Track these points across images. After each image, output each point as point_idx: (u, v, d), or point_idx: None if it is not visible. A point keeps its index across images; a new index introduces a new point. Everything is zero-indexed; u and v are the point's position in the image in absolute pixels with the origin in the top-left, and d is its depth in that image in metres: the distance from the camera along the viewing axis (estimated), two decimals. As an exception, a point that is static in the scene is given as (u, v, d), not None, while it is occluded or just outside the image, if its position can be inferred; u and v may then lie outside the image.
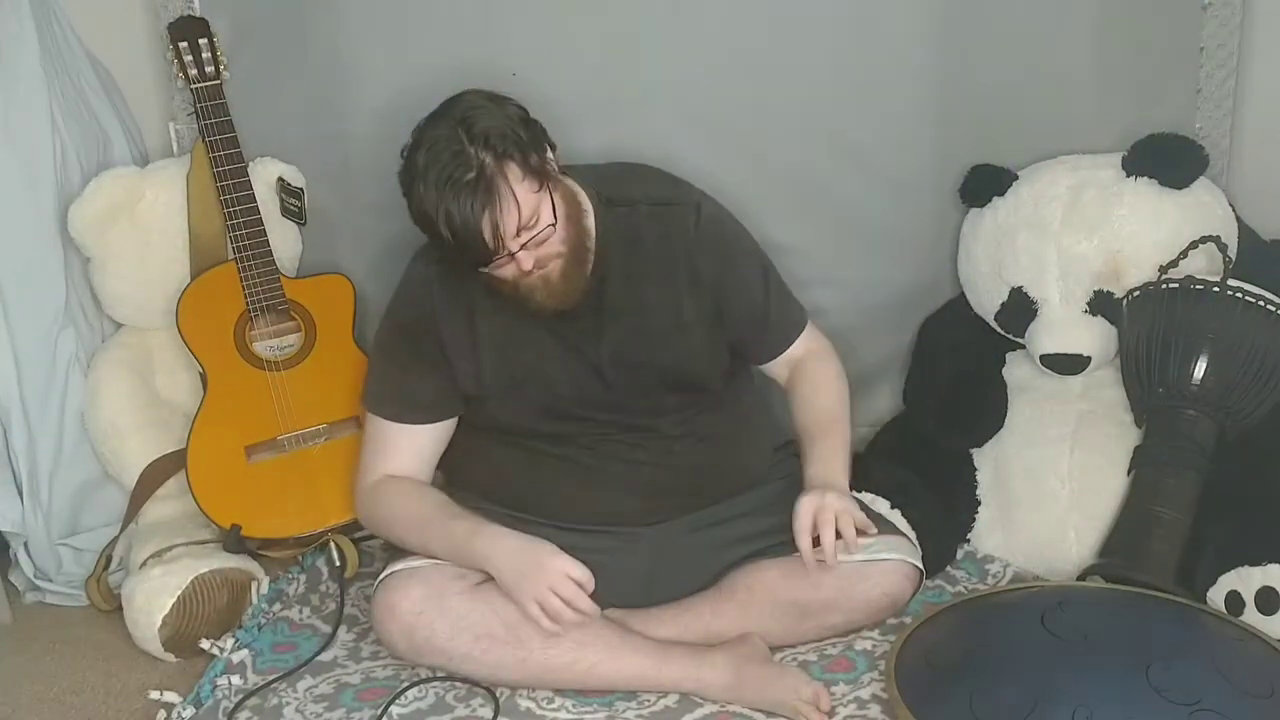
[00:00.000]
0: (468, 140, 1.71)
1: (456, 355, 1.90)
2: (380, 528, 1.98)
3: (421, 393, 1.94)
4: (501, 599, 1.81)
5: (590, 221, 1.84)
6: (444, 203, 1.70)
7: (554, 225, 1.75)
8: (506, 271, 1.76)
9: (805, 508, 1.80)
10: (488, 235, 1.70)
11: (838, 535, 1.78)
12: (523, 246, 1.73)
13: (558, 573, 1.75)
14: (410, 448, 1.96)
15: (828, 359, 2.04)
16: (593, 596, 1.87)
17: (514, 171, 1.71)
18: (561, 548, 1.86)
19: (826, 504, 1.79)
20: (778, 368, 2.04)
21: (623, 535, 1.94)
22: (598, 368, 1.90)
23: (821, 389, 1.99)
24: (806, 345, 2.04)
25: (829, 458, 1.89)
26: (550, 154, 1.79)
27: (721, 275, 1.92)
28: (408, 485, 1.94)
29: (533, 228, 1.73)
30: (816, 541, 1.80)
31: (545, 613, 1.75)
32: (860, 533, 1.81)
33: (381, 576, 1.89)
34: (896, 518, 2.03)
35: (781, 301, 2.02)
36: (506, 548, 1.80)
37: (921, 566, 1.95)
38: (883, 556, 1.89)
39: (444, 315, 1.90)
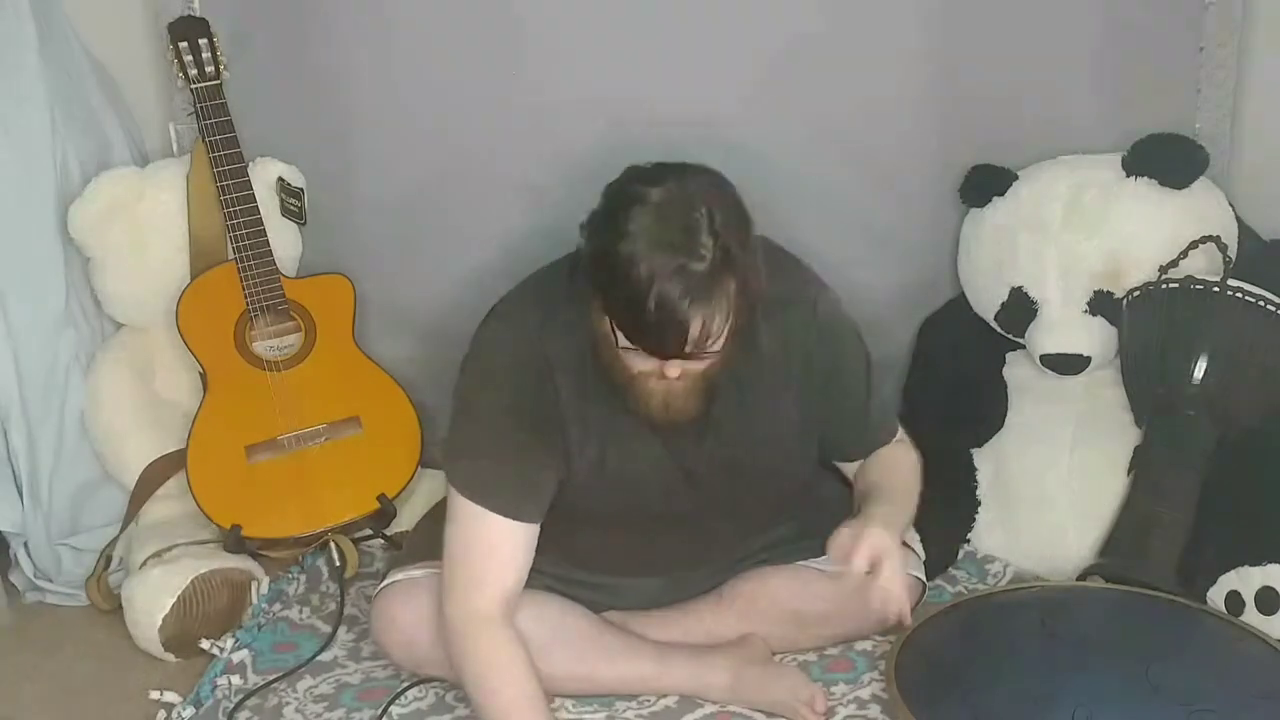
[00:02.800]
0: (708, 224, 1.51)
1: (574, 439, 1.71)
2: (461, 674, 1.71)
3: (543, 484, 1.72)
4: None
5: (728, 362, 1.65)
6: (661, 278, 1.48)
7: (720, 355, 1.58)
8: (645, 363, 1.58)
9: (870, 546, 1.63)
10: (691, 334, 1.50)
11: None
12: (684, 356, 1.55)
13: None
14: (519, 550, 1.72)
15: (908, 449, 1.92)
16: (594, 603, 1.87)
17: (733, 287, 1.52)
18: (575, 581, 1.85)
19: (884, 547, 1.63)
20: (852, 466, 1.93)
21: (642, 580, 1.92)
22: (691, 472, 1.77)
23: (897, 468, 1.87)
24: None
25: (889, 513, 1.74)
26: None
27: (829, 374, 1.78)
28: (510, 659, 1.68)
29: (706, 347, 1.55)
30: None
31: None
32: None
33: (380, 586, 1.88)
34: (898, 519, 2.03)
35: (879, 408, 1.90)
36: None
37: (924, 579, 1.95)
38: None
39: (568, 400, 1.70)
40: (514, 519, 1.70)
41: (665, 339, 1.52)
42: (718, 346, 1.56)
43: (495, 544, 1.71)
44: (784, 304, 1.75)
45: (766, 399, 1.76)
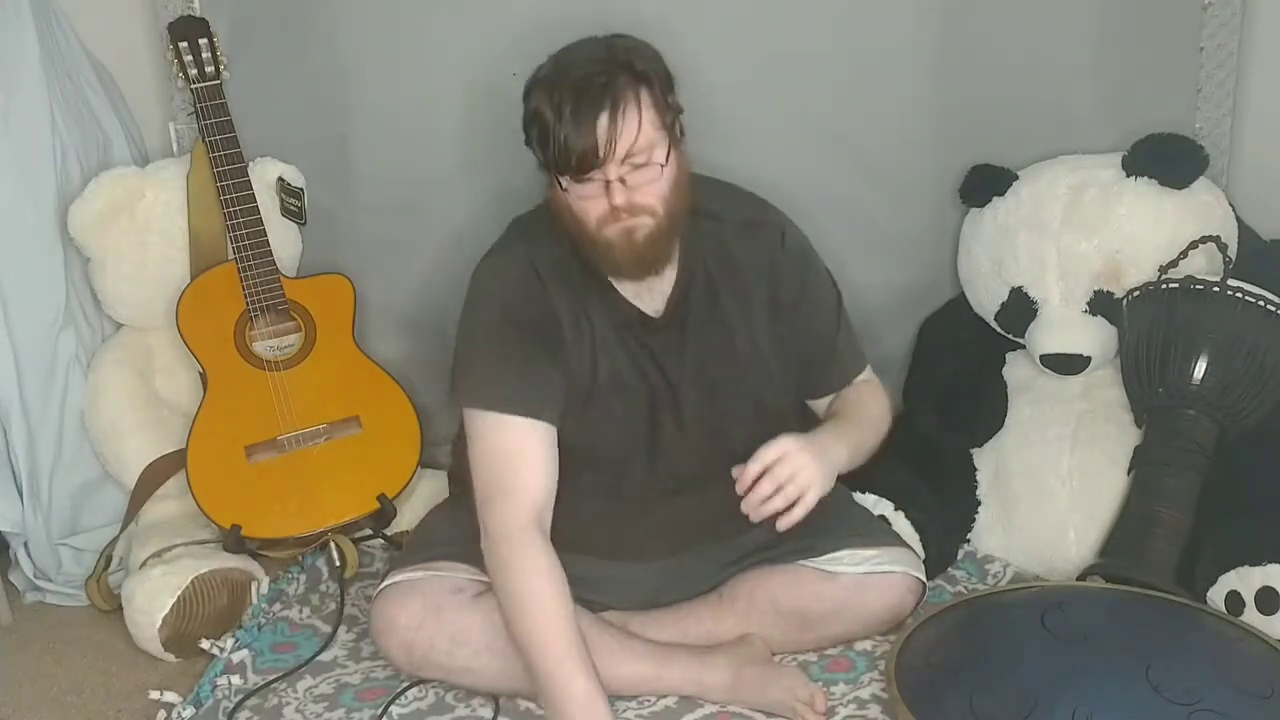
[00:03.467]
0: (608, 56, 1.66)
1: (570, 344, 1.78)
2: (499, 591, 1.72)
3: (552, 386, 1.76)
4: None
5: (687, 203, 1.74)
6: (565, 99, 1.62)
7: (663, 168, 1.66)
8: (596, 205, 1.66)
9: (776, 449, 1.66)
10: (600, 139, 1.61)
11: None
12: (622, 178, 1.64)
13: None
14: (543, 452, 1.74)
15: (878, 391, 1.96)
16: (592, 603, 1.87)
17: (645, 97, 1.65)
18: (571, 578, 1.83)
19: (794, 463, 1.65)
20: (825, 403, 1.95)
21: (638, 566, 1.92)
22: (676, 386, 1.82)
23: (862, 402, 1.91)
24: (860, 381, 1.97)
25: (837, 431, 1.80)
26: (679, 115, 1.72)
27: (798, 301, 1.85)
28: (546, 572, 1.69)
29: (642, 163, 1.65)
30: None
31: None
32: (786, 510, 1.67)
33: (380, 588, 1.88)
34: (899, 520, 2.03)
35: (849, 338, 1.94)
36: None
37: (924, 579, 1.94)
38: (886, 569, 1.89)
39: (562, 310, 1.78)
40: (532, 418, 1.73)
41: (585, 149, 1.61)
42: (646, 159, 1.64)
43: (518, 448, 1.73)
44: (753, 226, 1.84)
45: (740, 315, 1.82)
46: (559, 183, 1.67)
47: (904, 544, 1.97)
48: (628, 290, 1.78)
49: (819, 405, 1.95)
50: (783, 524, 1.67)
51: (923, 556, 1.99)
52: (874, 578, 1.88)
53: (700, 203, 1.80)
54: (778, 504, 1.65)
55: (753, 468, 1.65)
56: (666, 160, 1.67)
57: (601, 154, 1.62)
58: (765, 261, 1.83)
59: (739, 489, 1.66)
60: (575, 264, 1.75)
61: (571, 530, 1.82)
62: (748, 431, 1.81)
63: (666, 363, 1.81)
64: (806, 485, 1.66)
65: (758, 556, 1.92)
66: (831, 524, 1.88)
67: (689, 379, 1.82)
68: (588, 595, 1.86)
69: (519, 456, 1.74)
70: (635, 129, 1.63)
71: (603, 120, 1.61)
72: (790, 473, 1.65)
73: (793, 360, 1.87)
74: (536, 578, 1.69)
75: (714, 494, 1.82)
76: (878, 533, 1.96)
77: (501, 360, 1.75)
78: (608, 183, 1.64)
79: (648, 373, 1.81)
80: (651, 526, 1.89)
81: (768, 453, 1.66)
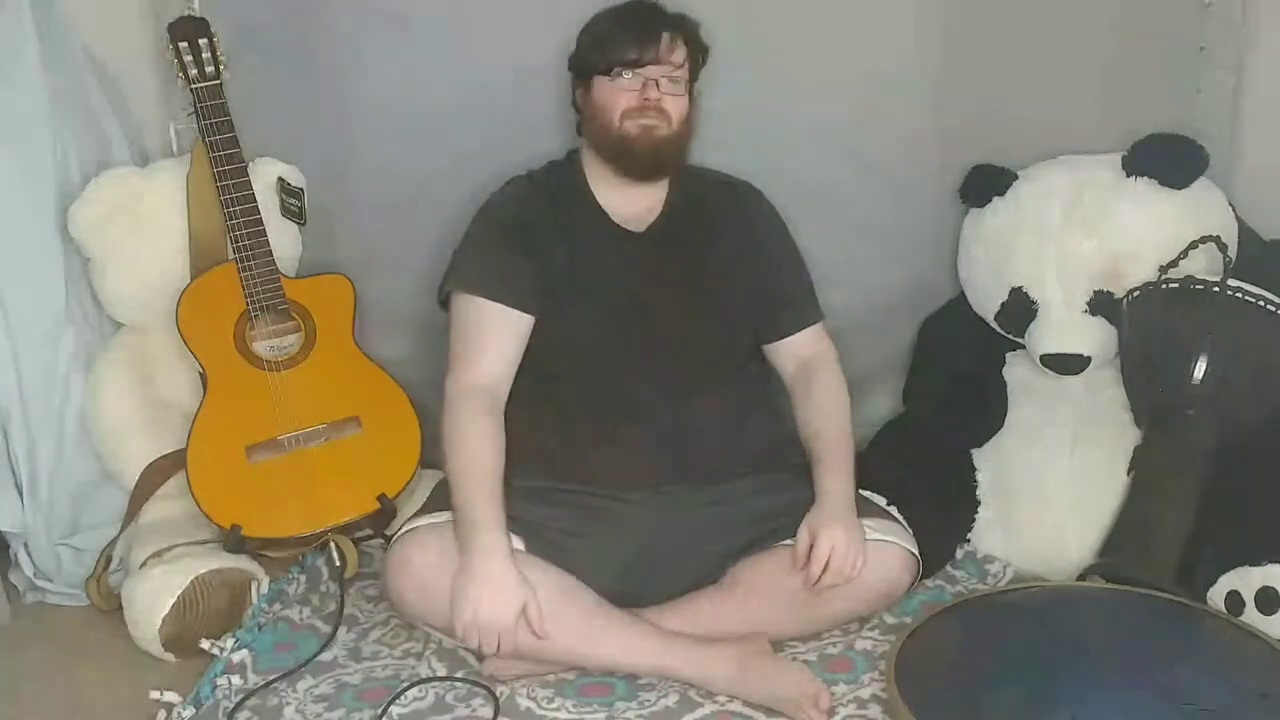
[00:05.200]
0: (662, 6, 2.01)
1: (547, 247, 1.99)
2: (444, 440, 1.94)
3: (518, 275, 1.98)
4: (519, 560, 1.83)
5: (690, 139, 2.03)
6: (633, 13, 1.97)
7: (687, 88, 1.98)
8: (629, 97, 1.94)
9: (822, 542, 1.86)
10: (661, 44, 1.93)
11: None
12: (658, 82, 1.93)
13: (490, 627, 1.78)
14: (503, 336, 1.97)
15: (835, 369, 2.08)
16: (592, 584, 1.90)
17: (690, 39, 1.99)
18: (570, 520, 1.91)
19: (837, 547, 1.86)
20: (785, 357, 2.08)
21: (629, 504, 1.94)
22: (649, 293, 1.99)
23: (831, 396, 2.05)
24: (816, 346, 2.08)
25: (841, 474, 1.95)
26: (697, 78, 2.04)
27: (766, 245, 2.09)
28: (485, 431, 1.91)
29: (677, 78, 1.96)
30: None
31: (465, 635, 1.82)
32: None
33: (400, 532, 1.92)
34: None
35: (807, 291, 2.11)
36: (486, 569, 1.80)
37: (918, 554, 1.96)
38: (878, 538, 1.91)
39: (545, 215, 2.02)
40: (498, 302, 1.97)
41: (645, 47, 1.92)
42: (679, 76, 1.96)
43: (483, 327, 1.98)
44: (732, 184, 2.13)
45: (714, 245, 2.04)
46: (604, 78, 1.95)
47: (895, 519, 1.99)
48: (618, 215, 2.02)
49: (779, 352, 2.08)
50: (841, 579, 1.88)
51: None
52: (868, 547, 1.89)
53: (688, 168, 2.08)
54: (829, 580, 1.86)
55: (812, 569, 1.86)
56: (688, 91, 1.98)
57: (657, 54, 1.93)
58: (740, 209, 2.10)
59: (797, 565, 1.88)
60: (567, 187, 2.03)
61: (567, 461, 1.95)
62: (715, 346, 2.03)
63: (643, 273, 2.00)
64: (855, 556, 1.87)
65: (750, 534, 1.94)
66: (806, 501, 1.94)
67: (661, 288, 2.00)
68: (582, 566, 1.89)
69: (481, 333, 1.97)
70: (683, 51, 1.97)
71: (664, 34, 1.94)
72: (839, 559, 1.86)
73: (757, 297, 2.05)
74: (477, 437, 1.90)
75: (695, 411, 1.98)
76: (865, 504, 1.99)
77: (480, 254, 2.02)
78: (646, 82, 1.93)
79: (625, 278, 2.00)
80: (633, 446, 1.95)
81: (811, 549, 1.87)
